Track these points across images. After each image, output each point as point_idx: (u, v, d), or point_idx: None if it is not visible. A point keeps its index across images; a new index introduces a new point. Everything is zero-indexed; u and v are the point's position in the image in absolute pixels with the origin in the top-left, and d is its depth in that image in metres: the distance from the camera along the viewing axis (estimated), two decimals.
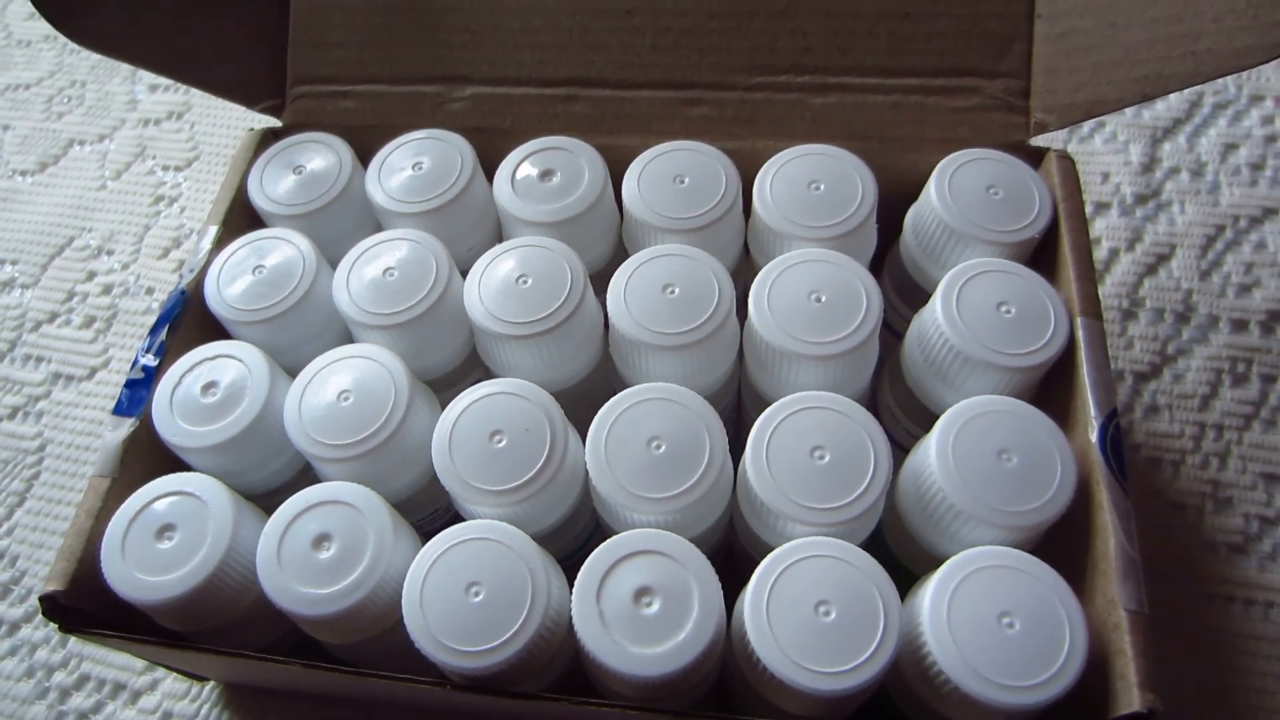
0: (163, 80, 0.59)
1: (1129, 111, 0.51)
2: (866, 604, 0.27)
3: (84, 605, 0.30)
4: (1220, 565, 0.40)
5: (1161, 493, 0.42)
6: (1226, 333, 0.45)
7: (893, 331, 0.39)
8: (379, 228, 0.38)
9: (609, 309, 0.33)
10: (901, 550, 0.33)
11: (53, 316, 0.50)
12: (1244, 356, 0.45)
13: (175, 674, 0.38)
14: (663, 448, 0.30)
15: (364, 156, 0.39)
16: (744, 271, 0.38)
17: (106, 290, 0.51)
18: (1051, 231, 0.35)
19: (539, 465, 0.30)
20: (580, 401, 0.33)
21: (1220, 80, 0.52)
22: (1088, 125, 0.51)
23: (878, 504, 0.29)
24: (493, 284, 0.33)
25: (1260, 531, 0.41)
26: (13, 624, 0.41)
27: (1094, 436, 0.31)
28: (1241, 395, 0.44)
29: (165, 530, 0.30)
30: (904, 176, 0.37)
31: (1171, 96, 0.52)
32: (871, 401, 0.38)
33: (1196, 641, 0.38)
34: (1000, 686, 0.26)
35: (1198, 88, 0.51)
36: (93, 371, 0.48)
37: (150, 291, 0.50)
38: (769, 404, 0.32)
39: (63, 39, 0.61)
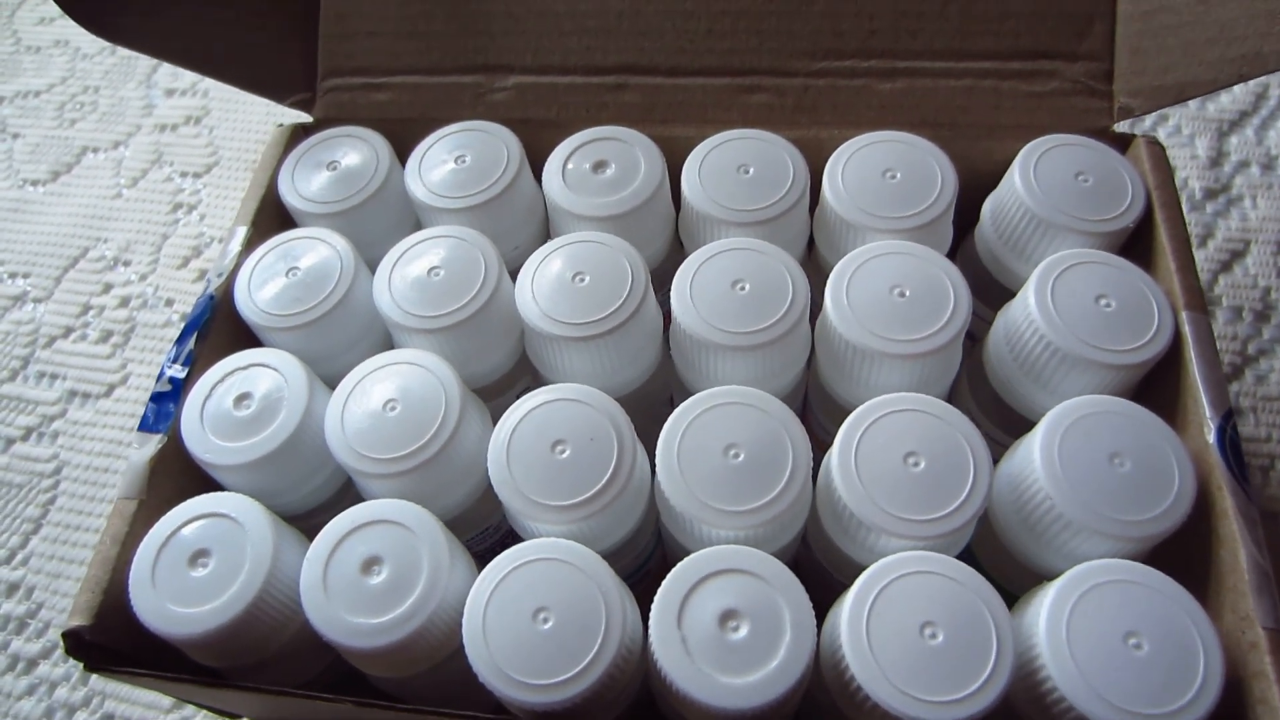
0: (179, 84, 0.56)
1: (1193, 104, 0.49)
2: (977, 625, 0.25)
3: (110, 641, 0.27)
4: None
5: None
6: None
7: (967, 334, 0.37)
8: (418, 226, 0.36)
9: (674, 307, 0.30)
10: (995, 566, 0.30)
11: (67, 331, 0.48)
12: None
13: (205, 712, 0.36)
14: (741, 456, 0.27)
15: (400, 151, 0.37)
16: (806, 270, 0.36)
17: (124, 303, 0.48)
18: (1144, 222, 0.32)
19: (607, 477, 0.27)
20: (638, 409, 0.31)
21: None
22: (1149, 119, 0.49)
23: (979, 514, 0.27)
24: (547, 282, 0.31)
25: None
26: (30, 660, 0.38)
27: (1211, 438, 0.28)
28: None
29: (199, 556, 0.27)
30: (978, 166, 0.35)
31: (1236, 88, 0.50)
32: None
33: None
34: (1130, 714, 0.24)
35: (1261, 79, 0.49)
36: (110, 388, 0.46)
37: (170, 303, 0.48)
38: (843, 409, 0.29)
39: (74, 44, 0.59)
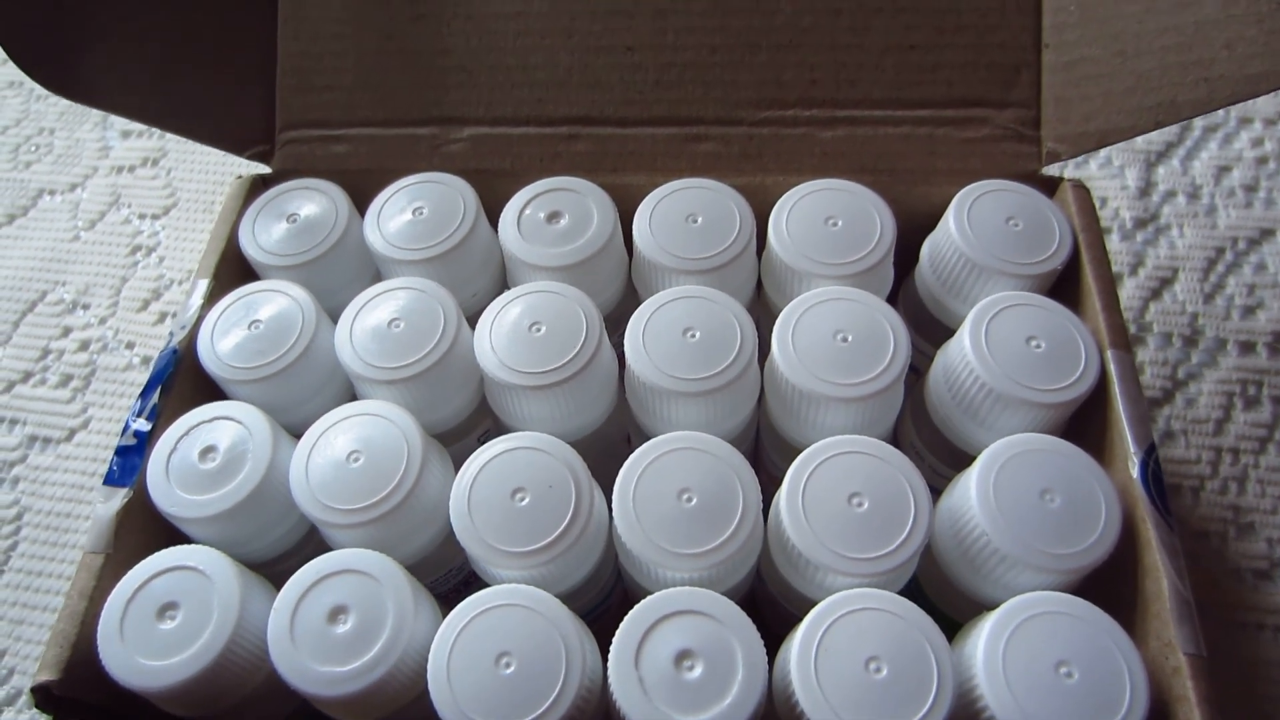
0: (136, 126, 0.57)
1: None
2: (919, 658, 0.26)
3: (79, 694, 0.28)
4: (1248, 592, 0.40)
5: (1184, 520, 0.41)
6: (1235, 355, 0.45)
7: (910, 368, 0.38)
8: (378, 277, 0.37)
9: (627, 354, 0.31)
10: (940, 596, 0.32)
11: (26, 376, 0.48)
12: (1254, 379, 0.44)
13: None
14: (694, 500, 0.28)
15: (358, 202, 0.37)
16: (755, 311, 0.37)
17: (84, 346, 0.49)
18: (1071, 262, 0.34)
19: (565, 523, 0.28)
20: (597, 450, 0.32)
21: None
22: None
23: (919, 552, 0.28)
24: (504, 332, 0.32)
25: None
26: None
27: (1135, 472, 0.30)
28: (1254, 418, 0.43)
29: (167, 609, 0.28)
30: (915, 209, 0.37)
31: None
32: (893, 441, 0.37)
33: (1230, 673, 0.38)
34: None
35: None
36: (71, 433, 0.46)
37: (130, 346, 0.48)
38: (793, 449, 0.31)
39: (29, 85, 0.59)
